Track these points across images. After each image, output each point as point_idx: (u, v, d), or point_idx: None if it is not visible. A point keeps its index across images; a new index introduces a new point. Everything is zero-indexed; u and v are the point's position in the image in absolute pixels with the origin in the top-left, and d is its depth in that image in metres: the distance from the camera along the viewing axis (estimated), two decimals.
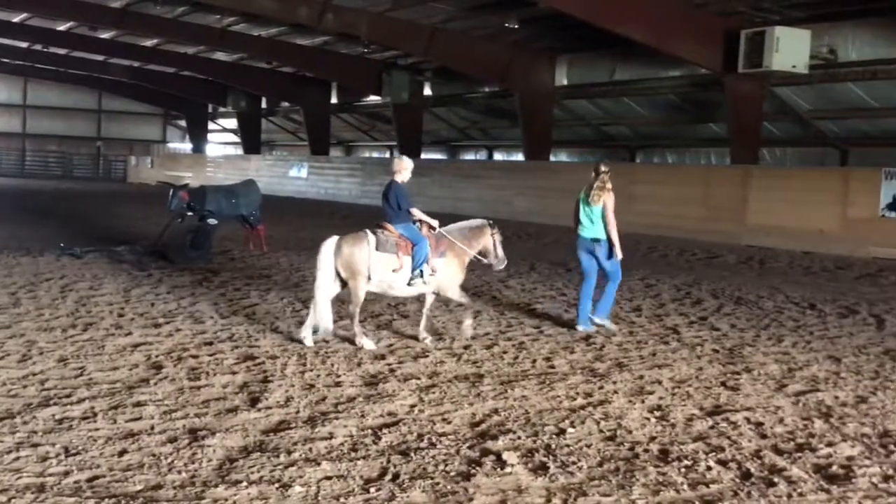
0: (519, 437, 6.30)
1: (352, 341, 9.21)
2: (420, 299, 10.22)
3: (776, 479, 5.58)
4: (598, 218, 10.30)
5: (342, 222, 26.27)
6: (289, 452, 5.82)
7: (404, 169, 9.54)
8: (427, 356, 8.86)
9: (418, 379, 7.91)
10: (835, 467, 5.85)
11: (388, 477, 5.45)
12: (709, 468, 5.77)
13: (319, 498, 5.12)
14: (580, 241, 10.55)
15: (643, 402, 7.36)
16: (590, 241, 10.43)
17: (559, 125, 33.24)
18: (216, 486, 5.23)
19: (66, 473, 5.36)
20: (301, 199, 39.90)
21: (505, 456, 5.83)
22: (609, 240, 10.32)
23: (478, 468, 5.63)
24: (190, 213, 15.93)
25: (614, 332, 10.41)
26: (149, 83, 51.06)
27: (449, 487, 5.31)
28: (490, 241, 9.81)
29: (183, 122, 63.63)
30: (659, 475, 5.61)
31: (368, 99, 41.60)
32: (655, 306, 12.56)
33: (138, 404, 6.84)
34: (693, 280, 15.51)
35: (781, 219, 21.91)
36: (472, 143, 42.15)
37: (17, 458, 5.57)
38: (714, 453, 6.06)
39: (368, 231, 9.25)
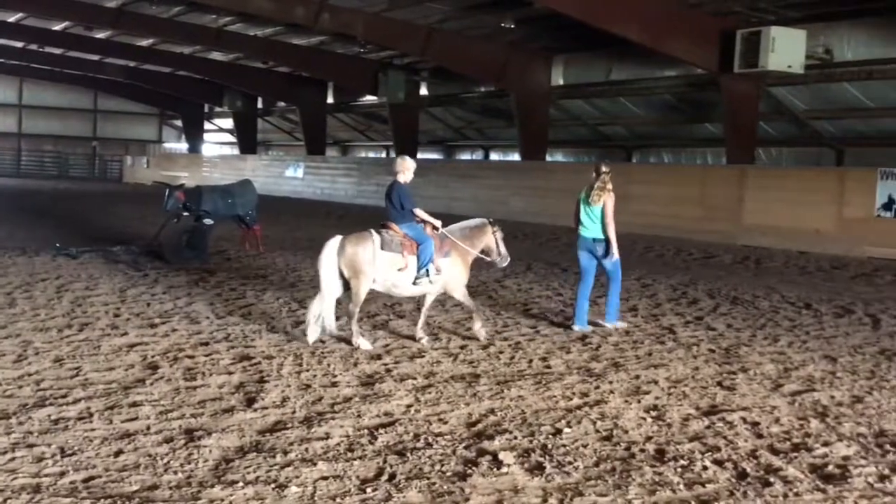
0: (515, 437, 6.30)
1: (348, 341, 9.21)
2: (418, 300, 10.22)
3: (772, 479, 5.59)
4: (599, 218, 10.35)
5: (338, 222, 26.28)
6: (285, 453, 5.82)
7: (407, 169, 9.56)
8: (423, 356, 8.87)
9: (415, 379, 7.91)
10: (831, 467, 5.86)
11: (385, 477, 5.45)
12: (705, 468, 5.77)
13: (316, 498, 5.11)
14: (580, 241, 10.58)
15: (639, 401, 7.36)
16: (591, 241, 10.47)
17: (555, 125, 33.25)
18: (212, 486, 5.22)
19: (62, 474, 5.35)
20: (297, 199, 39.89)
21: (501, 456, 5.83)
22: (607, 239, 10.35)
23: (474, 468, 5.63)
24: (186, 214, 15.90)
25: (628, 329, 10.57)
26: (145, 83, 51.00)
27: (445, 487, 5.31)
28: (492, 239, 9.84)
29: (179, 122, 63.56)
30: (655, 475, 5.62)
31: (364, 99, 41.58)
32: (652, 306, 12.57)
33: (134, 405, 6.83)
34: (689, 280, 15.53)
35: (777, 219, 21.94)
36: (468, 143, 42.16)
37: (13, 459, 5.56)
38: (710, 453, 6.07)
39: (373, 230, 9.26)
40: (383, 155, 47.01)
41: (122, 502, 4.98)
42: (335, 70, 37.79)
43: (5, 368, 7.78)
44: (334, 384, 7.65)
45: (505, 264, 10.15)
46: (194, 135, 61.26)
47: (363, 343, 9.12)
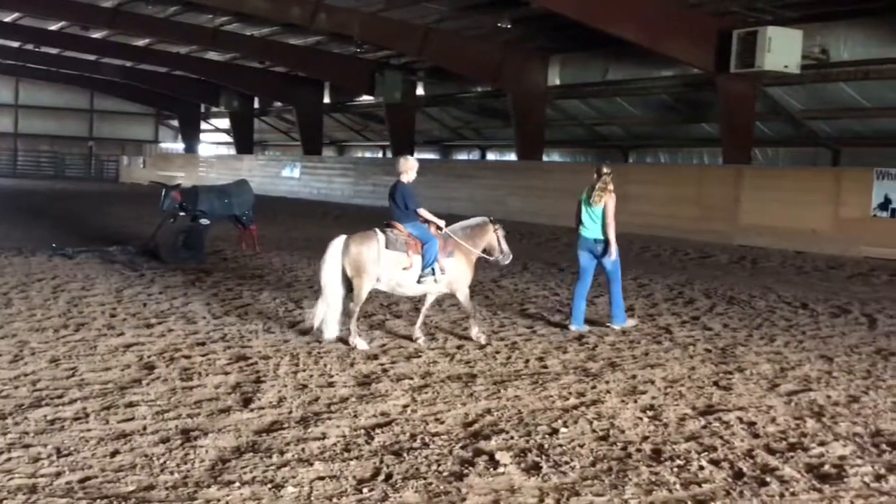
0: (512, 437, 6.30)
1: (345, 341, 9.20)
2: (416, 301, 10.22)
3: (768, 479, 5.59)
4: (600, 218, 10.38)
5: (335, 222, 26.28)
6: (281, 453, 5.82)
7: (410, 169, 9.58)
8: (420, 356, 8.86)
9: (411, 379, 7.91)
10: (827, 467, 5.86)
11: (381, 477, 5.45)
12: (701, 468, 5.77)
13: (312, 498, 5.11)
14: (581, 241, 10.60)
15: (636, 401, 7.37)
16: (592, 242, 10.49)
17: (552, 125, 33.26)
18: (209, 486, 5.22)
19: (58, 474, 5.34)
20: (294, 200, 39.87)
21: (498, 456, 5.83)
22: (607, 239, 10.38)
23: (471, 468, 5.63)
24: (182, 214, 15.89)
25: (637, 325, 10.69)
26: (141, 83, 50.94)
27: (442, 487, 5.31)
28: (493, 237, 9.86)
29: (175, 122, 63.52)
30: (651, 475, 5.62)
31: (361, 99, 41.57)
32: (648, 306, 12.58)
33: (130, 405, 6.82)
34: (686, 280, 15.54)
35: (774, 219, 21.96)
36: (464, 142, 42.15)
37: (9, 459, 5.55)
38: (706, 453, 6.07)
39: (377, 230, 9.26)
40: (380, 155, 47.01)
41: (119, 503, 4.97)
42: (332, 70, 37.78)
43: (1, 369, 7.77)
44: (331, 384, 7.65)
45: (507, 262, 10.17)
46: (191, 135, 61.20)
47: (360, 343, 9.11)
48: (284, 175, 45.13)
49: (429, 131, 41.44)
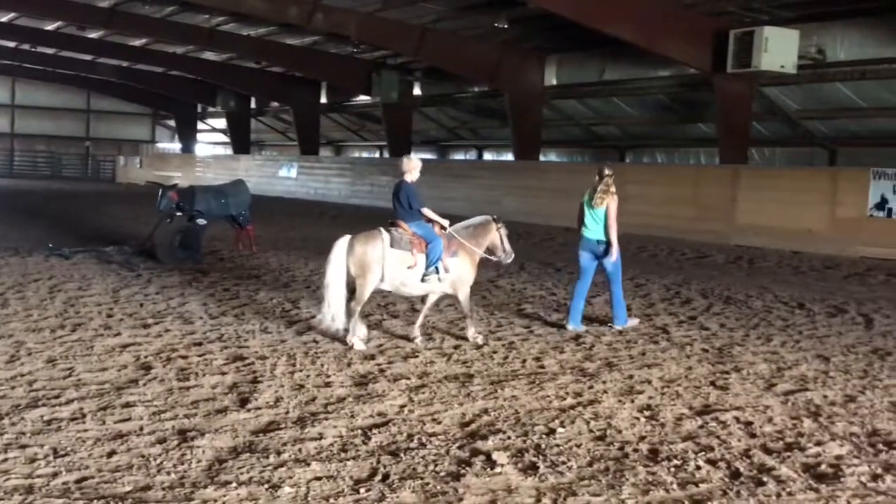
0: (509, 437, 6.30)
1: (342, 341, 9.20)
2: (413, 301, 10.21)
3: (765, 479, 5.60)
4: (602, 220, 10.42)
5: (332, 222, 26.27)
6: (278, 453, 5.81)
7: (413, 168, 9.58)
8: (417, 356, 8.86)
9: (408, 379, 7.91)
10: (823, 466, 5.87)
11: (378, 477, 5.45)
12: (698, 467, 5.78)
13: (309, 498, 5.11)
14: (583, 242, 10.63)
15: (633, 401, 7.37)
16: (594, 243, 10.52)
17: (549, 125, 33.26)
18: (205, 487, 5.22)
19: (55, 475, 5.34)
20: (290, 200, 39.84)
21: (495, 456, 5.83)
22: (609, 241, 10.41)
23: (468, 468, 5.63)
24: (179, 214, 15.88)
25: (638, 326, 10.69)
26: (137, 83, 50.87)
27: (439, 487, 5.31)
28: (496, 236, 9.86)
29: (172, 122, 63.44)
30: (648, 475, 5.62)
31: (358, 99, 41.56)
32: (645, 306, 12.58)
33: (127, 405, 6.81)
34: (682, 280, 15.55)
35: (770, 218, 21.97)
36: (461, 142, 42.15)
37: (6, 460, 5.55)
38: (703, 453, 6.07)
39: (382, 229, 9.28)
40: (377, 155, 47.00)
41: (115, 503, 4.97)
42: (329, 70, 37.76)
43: None
44: (328, 384, 7.65)
45: (509, 261, 10.18)
46: (187, 135, 61.14)
47: (357, 343, 9.11)
48: (281, 175, 45.11)
49: (426, 131, 41.43)
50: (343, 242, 9.16)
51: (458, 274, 9.55)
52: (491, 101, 34.63)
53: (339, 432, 6.29)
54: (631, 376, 8.27)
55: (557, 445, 6.15)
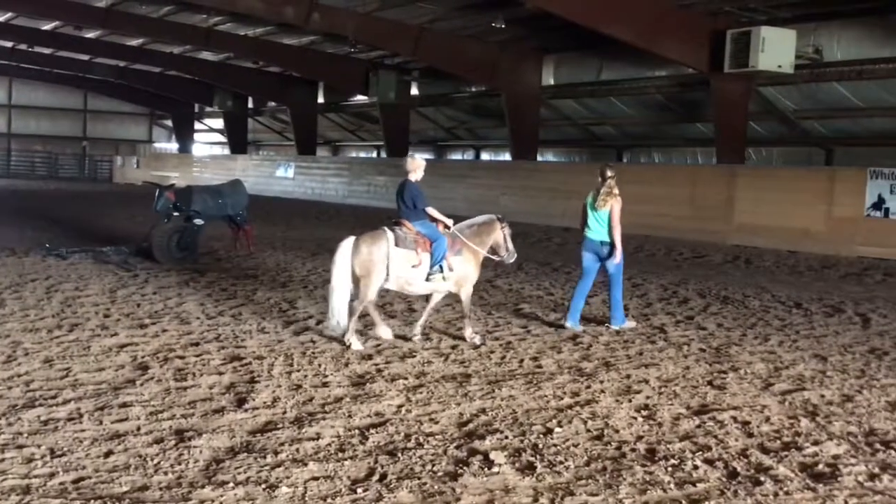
0: (506, 437, 6.30)
1: (340, 341, 9.20)
2: (411, 302, 10.20)
3: (762, 478, 5.60)
4: (605, 222, 10.46)
5: (329, 222, 26.24)
6: (276, 453, 5.81)
7: (418, 168, 9.59)
8: (414, 356, 8.86)
9: (406, 379, 7.91)
10: (821, 466, 5.87)
11: (376, 477, 5.44)
12: (695, 467, 5.78)
13: (306, 498, 5.11)
14: (586, 243, 10.66)
15: (630, 401, 7.37)
16: (598, 244, 10.55)
17: (546, 125, 33.27)
18: (203, 487, 5.21)
19: (52, 475, 5.33)
20: (288, 200, 39.82)
21: (492, 456, 5.83)
22: (612, 242, 10.43)
23: (465, 468, 5.63)
24: (176, 214, 15.87)
25: (635, 327, 10.67)
26: (135, 83, 50.84)
27: (436, 487, 5.31)
28: (500, 235, 9.87)
29: (169, 122, 63.41)
30: (646, 474, 5.62)
31: (355, 99, 41.55)
32: (642, 305, 12.59)
33: (124, 405, 6.81)
34: (680, 279, 15.55)
35: (767, 218, 21.99)
36: (459, 142, 42.15)
37: (3, 460, 5.54)
38: (701, 452, 6.08)
39: (386, 228, 9.29)
40: (374, 155, 46.99)
41: (112, 503, 4.96)
42: (326, 70, 37.75)
43: None
44: (325, 384, 7.65)
45: (512, 260, 10.19)
46: (185, 135, 61.12)
47: (355, 343, 9.11)
48: (279, 175, 45.08)
49: (423, 131, 41.43)
50: (348, 244, 9.16)
51: (462, 273, 9.57)
52: (488, 101, 34.62)
53: (336, 432, 6.29)
54: (628, 376, 8.28)
55: (555, 445, 6.15)
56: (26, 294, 11.81)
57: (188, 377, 7.74)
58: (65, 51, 43.69)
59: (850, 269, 17.92)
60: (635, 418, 6.87)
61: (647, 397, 7.51)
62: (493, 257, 10.02)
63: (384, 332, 9.48)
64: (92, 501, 4.96)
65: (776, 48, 21.35)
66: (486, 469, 5.62)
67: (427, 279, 9.35)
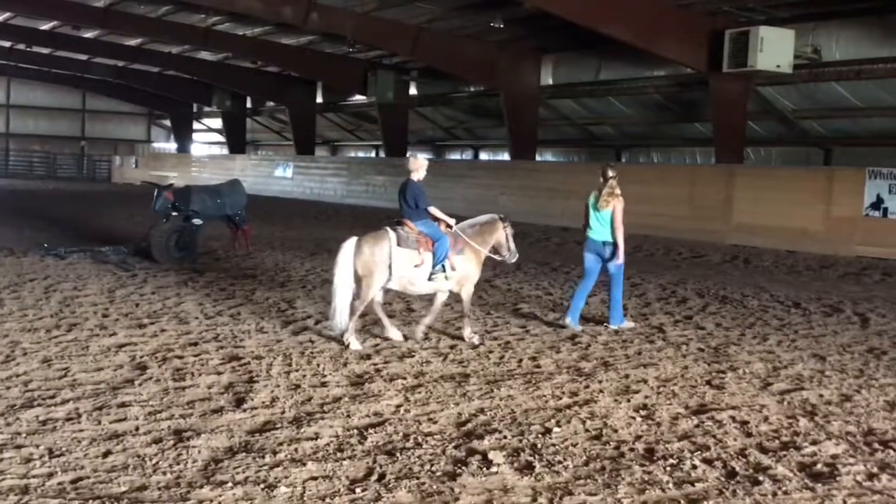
0: (505, 437, 6.30)
1: (339, 341, 9.20)
2: (410, 301, 10.19)
3: (761, 478, 5.60)
4: (607, 222, 10.47)
5: (328, 222, 26.23)
6: (274, 453, 5.81)
7: (420, 167, 9.59)
8: (413, 356, 8.86)
9: (404, 379, 7.90)
10: (819, 465, 5.87)
11: (374, 477, 5.44)
12: (694, 467, 5.78)
13: (305, 498, 5.10)
14: (588, 243, 10.67)
15: (629, 401, 7.37)
16: (600, 244, 10.56)
17: (545, 125, 33.27)
18: (201, 486, 5.21)
19: (50, 475, 5.33)
20: (286, 199, 39.82)
21: (491, 455, 5.83)
22: (615, 242, 10.43)
23: (464, 468, 5.63)
24: (175, 213, 15.87)
25: (634, 327, 10.67)
26: (133, 83, 50.83)
27: (435, 487, 5.31)
28: (503, 235, 9.88)
29: (167, 122, 63.39)
30: (644, 474, 5.62)
31: (354, 98, 41.54)
32: (641, 305, 12.59)
33: (123, 405, 6.80)
34: (678, 279, 15.55)
35: (766, 218, 22.00)
36: (457, 142, 42.15)
37: (1, 460, 5.54)
38: (699, 452, 6.08)
39: (388, 228, 9.30)
40: (373, 155, 46.98)
41: (111, 503, 4.96)
42: (324, 70, 37.74)
43: None
44: (324, 384, 7.64)
45: (514, 260, 10.19)
46: (183, 134, 61.12)
47: (353, 343, 9.11)
48: (277, 175, 45.07)
49: (422, 131, 41.43)
50: (350, 244, 9.16)
51: (464, 272, 9.58)
52: (487, 101, 34.62)
53: (335, 432, 6.28)
54: (627, 376, 8.28)
55: (553, 445, 6.15)
56: (25, 294, 11.81)
57: (187, 377, 7.74)
58: (63, 50, 43.69)
59: (848, 268, 17.93)
60: (634, 418, 6.87)
61: (646, 397, 7.51)
62: (495, 257, 10.03)
63: (394, 333, 9.49)
64: (90, 501, 4.96)
65: (775, 48, 21.36)
66: (484, 469, 5.62)
67: (429, 279, 9.35)
